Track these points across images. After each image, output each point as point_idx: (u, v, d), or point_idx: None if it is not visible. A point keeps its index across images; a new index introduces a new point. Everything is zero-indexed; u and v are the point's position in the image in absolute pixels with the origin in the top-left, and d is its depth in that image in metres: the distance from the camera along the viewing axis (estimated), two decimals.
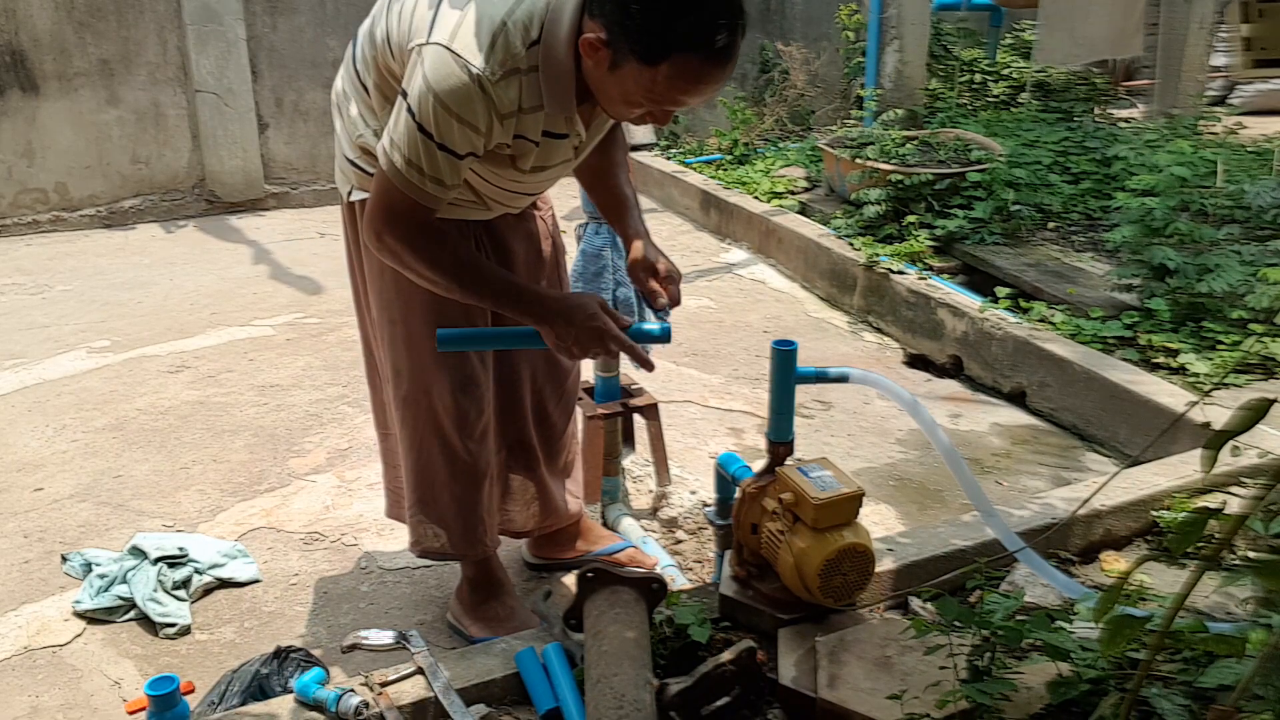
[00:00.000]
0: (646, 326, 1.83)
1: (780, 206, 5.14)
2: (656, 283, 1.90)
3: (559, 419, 2.29)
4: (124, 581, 2.39)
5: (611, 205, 2.05)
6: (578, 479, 2.43)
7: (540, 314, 1.76)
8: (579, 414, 2.63)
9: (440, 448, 2.02)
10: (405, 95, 1.61)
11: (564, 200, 5.56)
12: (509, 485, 2.23)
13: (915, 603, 2.02)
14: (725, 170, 5.98)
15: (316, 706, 1.70)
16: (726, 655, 1.67)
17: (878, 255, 4.16)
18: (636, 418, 2.78)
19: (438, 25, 1.58)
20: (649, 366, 1.82)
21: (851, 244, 4.39)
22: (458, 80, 1.56)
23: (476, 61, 1.56)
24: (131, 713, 2.08)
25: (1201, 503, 2.33)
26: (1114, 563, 2.23)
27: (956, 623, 1.60)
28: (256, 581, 2.51)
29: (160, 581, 2.38)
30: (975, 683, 1.53)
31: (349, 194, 1.94)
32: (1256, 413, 1.10)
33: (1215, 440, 1.13)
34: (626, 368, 2.73)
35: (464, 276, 1.74)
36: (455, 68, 1.56)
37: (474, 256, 1.80)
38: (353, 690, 1.71)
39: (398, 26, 1.69)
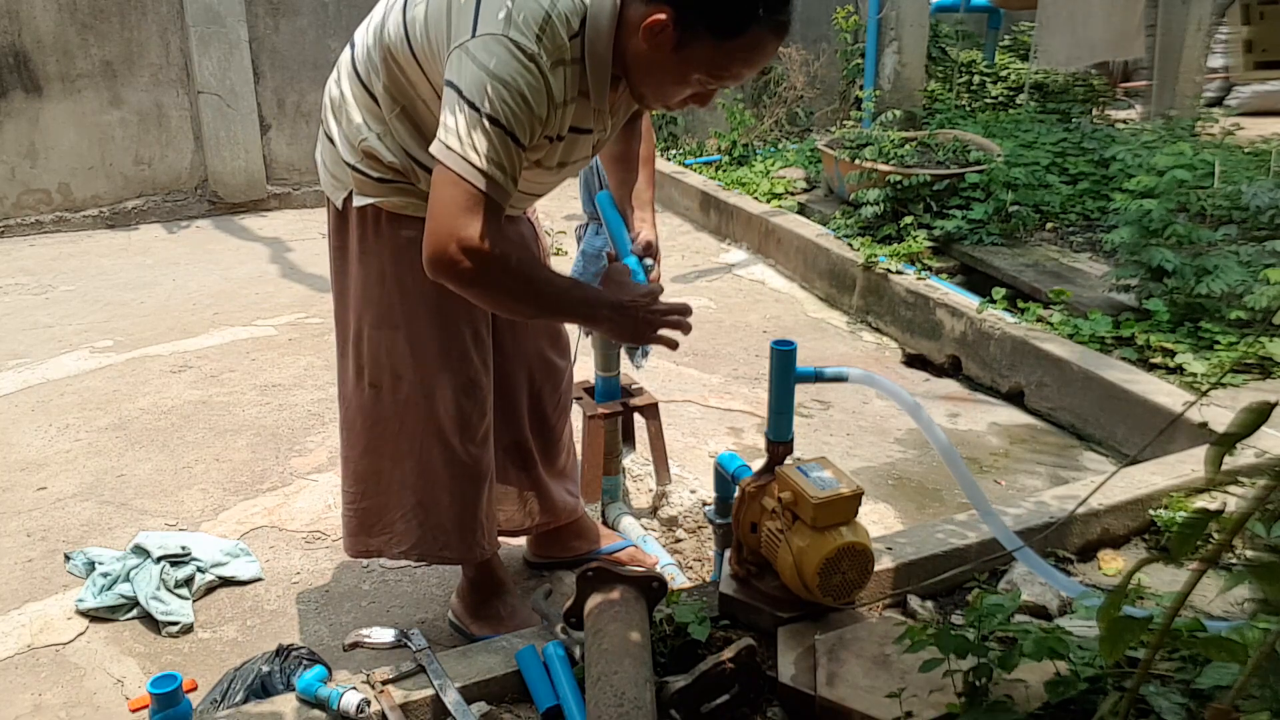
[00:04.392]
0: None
1: (779, 207, 5.15)
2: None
3: (556, 420, 2.29)
4: (127, 580, 2.40)
5: (625, 190, 2.14)
6: (576, 478, 2.43)
7: (609, 313, 1.81)
8: (579, 413, 2.64)
9: (441, 451, 2.01)
10: (461, 92, 1.56)
11: (564, 201, 5.59)
12: (506, 485, 2.23)
13: (914, 601, 2.04)
14: (724, 171, 5.99)
15: (318, 704, 1.71)
16: (726, 653, 1.68)
17: (876, 255, 4.17)
18: (636, 417, 2.79)
19: (482, 20, 1.57)
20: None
21: (850, 244, 4.41)
22: (523, 67, 1.55)
23: (534, 49, 1.56)
24: (134, 711, 2.09)
25: (1199, 503, 2.35)
26: (1112, 561, 2.24)
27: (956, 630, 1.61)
28: (259, 580, 2.52)
29: (163, 580, 2.39)
30: (975, 705, 1.53)
31: (343, 200, 1.90)
32: (1259, 416, 1.11)
33: (1220, 444, 1.13)
34: (626, 368, 2.75)
35: (537, 278, 1.71)
36: (520, 55, 1.55)
37: (538, 259, 1.82)
38: (354, 688, 1.72)
39: (425, 29, 1.66)
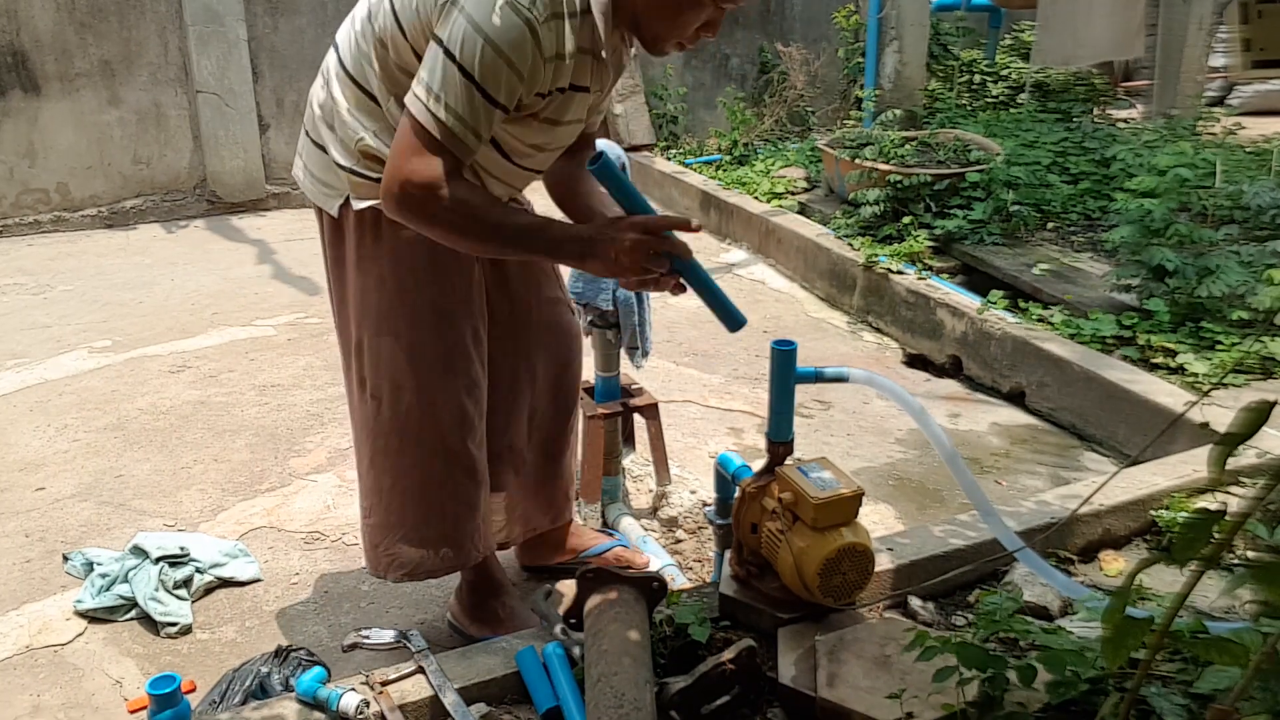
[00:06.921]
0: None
1: (780, 207, 5.15)
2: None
3: (559, 433, 2.27)
4: (125, 581, 2.40)
5: (584, 213, 1.93)
6: (572, 484, 2.42)
7: (578, 245, 1.73)
8: (579, 414, 2.63)
9: (444, 459, 1.99)
10: (442, 42, 1.57)
11: None
12: (497, 492, 2.21)
13: (915, 602, 2.03)
14: (725, 171, 5.99)
15: (317, 705, 1.71)
16: (726, 654, 1.68)
17: (877, 255, 4.17)
18: (636, 417, 2.79)
19: None
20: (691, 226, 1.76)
21: (851, 244, 4.40)
22: (509, 21, 1.55)
23: (527, 5, 1.55)
24: (133, 712, 2.09)
25: (1200, 503, 2.34)
26: (1113, 562, 2.24)
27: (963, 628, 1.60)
28: (257, 581, 2.51)
29: (161, 581, 2.38)
30: (988, 716, 1.52)
31: (339, 207, 1.87)
32: (1260, 415, 1.10)
33: (1223, 445, 1.12)
34: (627, 367, 2.74)
35: (496, 215, 1.69)
36: (507, 8, 1.54)
37: (498, 199, 1.77)
38: (354, 689, 1.72)
39: (415, 5, 1.65)
